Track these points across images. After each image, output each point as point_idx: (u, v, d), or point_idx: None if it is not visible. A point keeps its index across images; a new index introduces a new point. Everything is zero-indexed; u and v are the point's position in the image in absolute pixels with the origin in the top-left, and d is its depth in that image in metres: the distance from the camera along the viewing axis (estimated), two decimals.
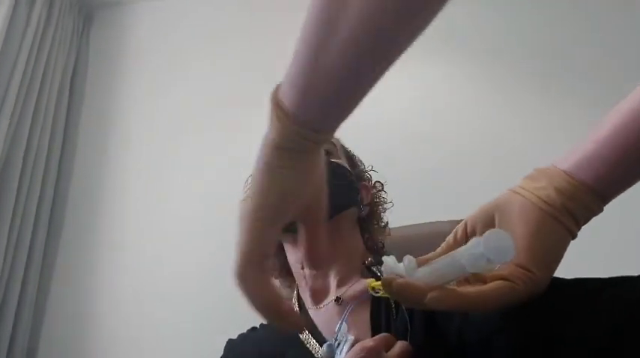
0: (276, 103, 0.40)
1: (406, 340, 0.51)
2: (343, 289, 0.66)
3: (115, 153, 1.84)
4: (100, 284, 1.64)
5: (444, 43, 1.62)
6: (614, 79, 1.48)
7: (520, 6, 1.70)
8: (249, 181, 0.44)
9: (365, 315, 0.60)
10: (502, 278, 0.39)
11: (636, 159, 0.40)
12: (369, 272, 0.67)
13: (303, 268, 0.72)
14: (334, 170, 0.72)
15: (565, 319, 0.41)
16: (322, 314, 0.66)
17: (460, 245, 0.44)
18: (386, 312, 0.59)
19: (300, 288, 0.74)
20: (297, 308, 0.70)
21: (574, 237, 0.41)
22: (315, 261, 0.68)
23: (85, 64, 1.99)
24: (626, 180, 0.41)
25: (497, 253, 0.35)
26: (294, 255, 0.73)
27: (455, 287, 0.39)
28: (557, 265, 0.41)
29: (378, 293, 0.51)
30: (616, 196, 0.42)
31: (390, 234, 0.80)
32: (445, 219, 0.90)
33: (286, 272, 0.80)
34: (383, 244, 0.79)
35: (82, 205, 1.78)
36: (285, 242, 0.75)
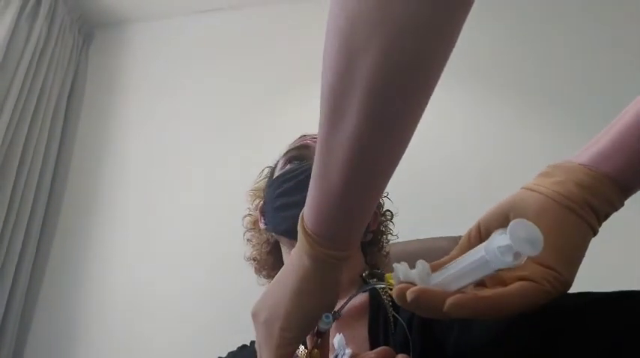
0: (302, 227, 0.44)
1: (405, 353, 0.49)
2: (340, 303, 0.65)
3: (109, 172, 1.83)
4: (89, 301, 1.61)
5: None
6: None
7: (510, 38, 1.75)
8: (267, 288, 0.50)
9: (363, 330, 0.59)
10: (524, 278, 0.36)
11: None
12: (366, 284, 0.66)
13: None
14: None
15: (566, 332, 0.39)
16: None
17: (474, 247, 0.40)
18: (384, 326, 0.58)
19: None
20: None
21: (595, 233, 0.38)
22: None
23: (83, 82, 2.00)
24: None
25: (527, 245, 0.31)
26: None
27: (473, 291, 0.36)
28: (580, 264, 0.38)
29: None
30: (637, 190, 0.39)
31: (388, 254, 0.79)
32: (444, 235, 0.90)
33: (271, 265, 0.79)
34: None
35: (75, 222, 1.75)
36: (283, 245, 0.73)
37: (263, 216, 0.77)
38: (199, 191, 1.73)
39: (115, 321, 1.55)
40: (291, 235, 0.68)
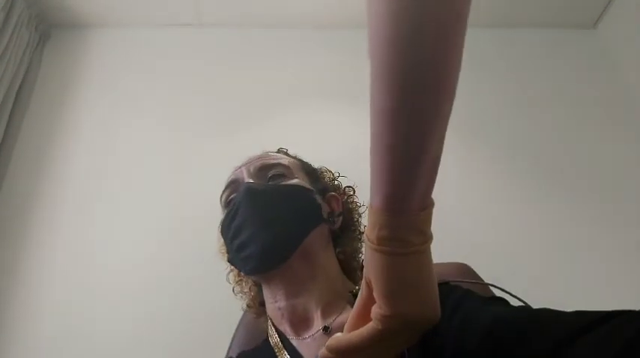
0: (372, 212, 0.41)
1: None
2: (331, 318, 0.64)
3: (51, 175, 1.71)
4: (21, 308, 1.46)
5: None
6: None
7: None
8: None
9: None
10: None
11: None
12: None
13: (276, 301, 0.69)
14: (287, 194, 0.71)
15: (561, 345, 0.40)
16: (309, 345, 0.63)
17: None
18: None
19: (275, 321, 0.70)
20: (276, 338, 0.67)
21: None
22: (293, 290, 0.67)
23: (34, 80, 1.88)
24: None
25: None
26: (267, 289, 0.71)
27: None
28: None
29: None
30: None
31: None
32: None
33: (259, 303, 0.77)
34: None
35: (10, 225, 1.60)
36: (261, 282, 0.73)
37: (234, 265, 0.76)
38: (146, 198, 1.67)
39: (50, 327, 1.42)
40: (258, 270, 0.67)
